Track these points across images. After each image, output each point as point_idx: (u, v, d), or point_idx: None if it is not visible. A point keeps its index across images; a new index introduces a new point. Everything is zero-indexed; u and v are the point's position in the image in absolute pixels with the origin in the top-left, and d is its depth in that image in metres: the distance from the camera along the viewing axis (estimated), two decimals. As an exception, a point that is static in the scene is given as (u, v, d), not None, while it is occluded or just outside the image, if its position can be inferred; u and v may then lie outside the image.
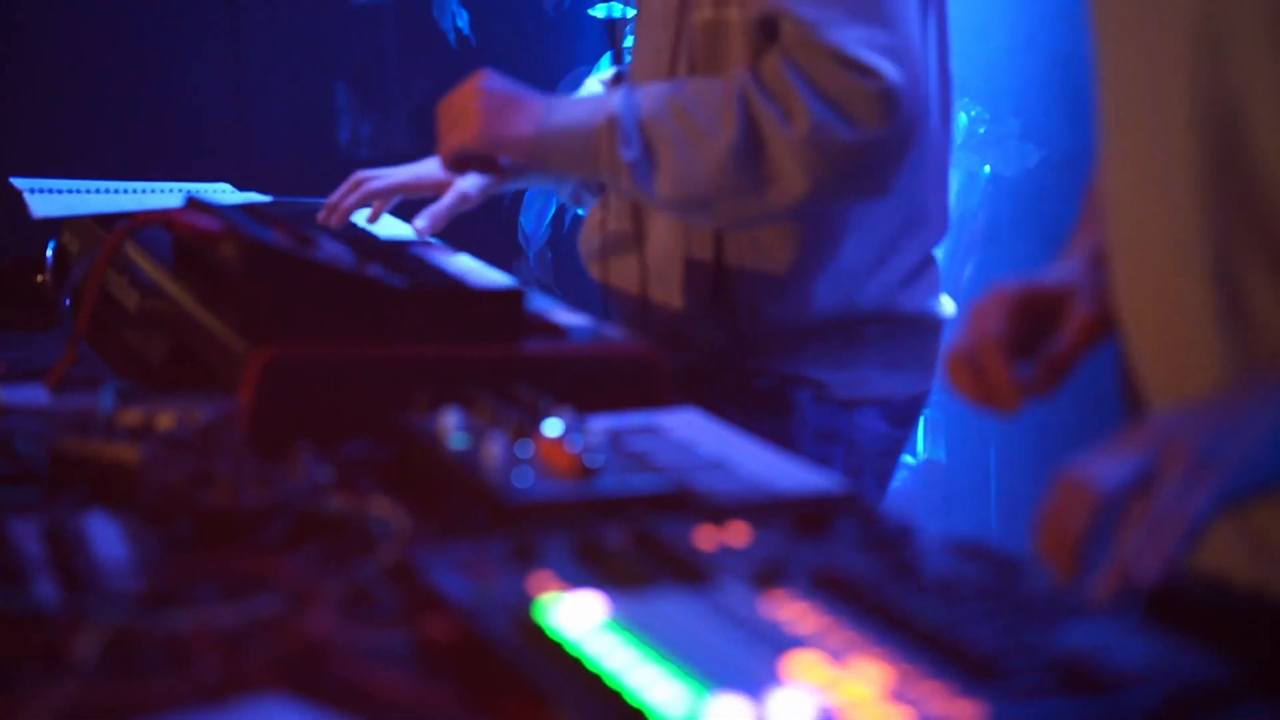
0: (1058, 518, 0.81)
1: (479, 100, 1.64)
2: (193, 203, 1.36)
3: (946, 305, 1.80)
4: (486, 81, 1.66)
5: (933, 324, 1.78)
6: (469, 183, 1.90)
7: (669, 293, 1.75)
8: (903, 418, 1.78)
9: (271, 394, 1.19)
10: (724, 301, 1.71)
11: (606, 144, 1.61)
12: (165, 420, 1.10)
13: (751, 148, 1.56)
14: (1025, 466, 3.30)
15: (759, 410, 1.71)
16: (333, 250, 1.33)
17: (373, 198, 1.94)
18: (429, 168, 1.96)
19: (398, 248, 1.62)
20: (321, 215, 1.94)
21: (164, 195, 2.04)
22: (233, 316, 1.26)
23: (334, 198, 1.96)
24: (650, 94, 1.62)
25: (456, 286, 1.33)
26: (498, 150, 1.66)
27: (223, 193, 2.16)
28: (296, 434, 1.13)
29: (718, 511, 0.98)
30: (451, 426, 1.14)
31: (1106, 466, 0.79)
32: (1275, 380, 0.86)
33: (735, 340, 1.72)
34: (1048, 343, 1.04)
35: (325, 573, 0.95)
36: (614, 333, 1.40)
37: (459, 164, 1.71)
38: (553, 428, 1.10)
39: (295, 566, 0.92)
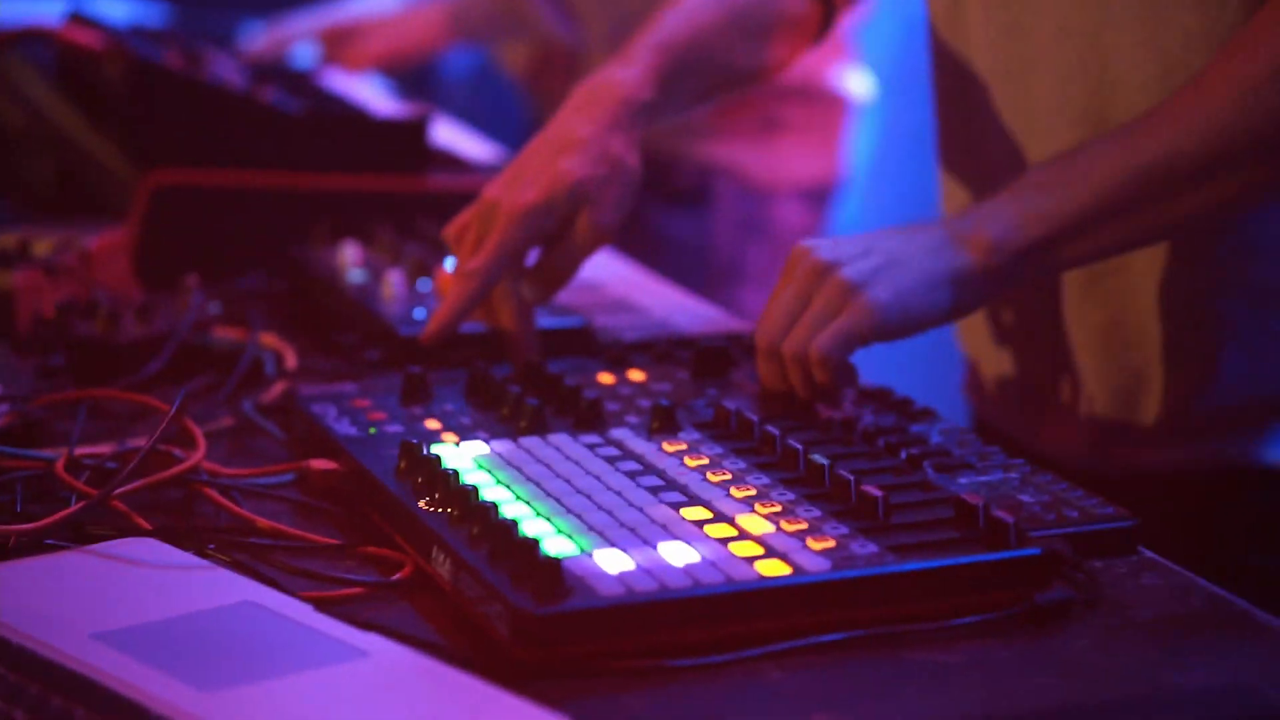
0: (768, 379, 0.87)
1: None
2: (76, 16, 1.29)
3: (858, 82, 1.80)
4: None
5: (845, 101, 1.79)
6: None
7: None
8: (823, 204, 1.80)
9: (160, 222, 1.14)
10: None
11: None
12: (43, 246, 1.05)
13: None
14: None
15: (679, 206, 1.71)
16: (226, 72, 1.26)
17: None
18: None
19: (298, 73, 1.55)
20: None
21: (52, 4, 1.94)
22: (119, 140, 1.20)
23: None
24: None
25: (356, 113, 1.27)
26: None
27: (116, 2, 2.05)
28: (185, 265, 1.08)
29: (619, 349, 0.95)
30: (349, 261, 1.10)
31: (766, 319, 0.86)
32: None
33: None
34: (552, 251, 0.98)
35: (207, 408, 0.91)
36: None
37: None
38: (454, 264, 1.06)
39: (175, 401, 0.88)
